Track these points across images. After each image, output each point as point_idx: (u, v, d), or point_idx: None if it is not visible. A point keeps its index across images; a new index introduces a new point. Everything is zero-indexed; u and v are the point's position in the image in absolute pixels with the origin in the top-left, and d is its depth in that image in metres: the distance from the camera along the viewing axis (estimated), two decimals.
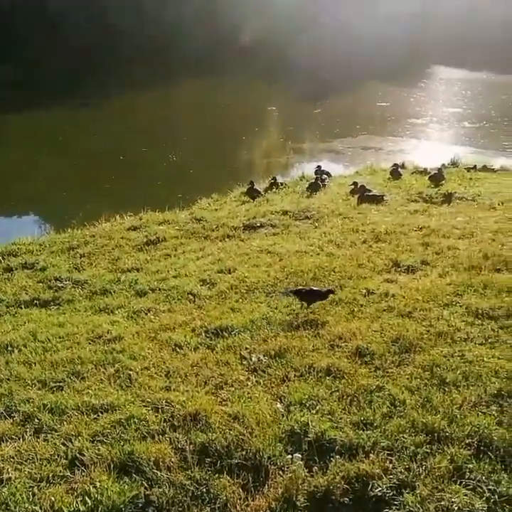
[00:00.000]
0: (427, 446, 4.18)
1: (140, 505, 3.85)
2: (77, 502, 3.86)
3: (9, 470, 4.17)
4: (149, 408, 4.80)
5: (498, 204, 10.76)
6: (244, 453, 4.20)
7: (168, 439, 4.41)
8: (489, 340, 5.61)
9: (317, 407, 4.66)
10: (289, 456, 4.14)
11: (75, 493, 3.94)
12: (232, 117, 29.02)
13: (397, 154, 20.87)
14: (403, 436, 4.26)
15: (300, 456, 4.12)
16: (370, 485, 3.86)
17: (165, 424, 4.60)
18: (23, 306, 7.40)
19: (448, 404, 4.59)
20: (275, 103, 32.97)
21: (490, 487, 3.79)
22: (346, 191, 12.95)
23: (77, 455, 4.29)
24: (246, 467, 4.10)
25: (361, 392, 4.84)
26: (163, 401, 4.85)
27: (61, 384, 5.27)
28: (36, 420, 4.73)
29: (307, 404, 4.70)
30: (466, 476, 3.88)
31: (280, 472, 4.03)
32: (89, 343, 6.06)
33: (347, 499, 3.82)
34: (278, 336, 5.92)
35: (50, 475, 4.13)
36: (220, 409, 4.70)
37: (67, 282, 8.06)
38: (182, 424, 4.56)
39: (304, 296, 6.54)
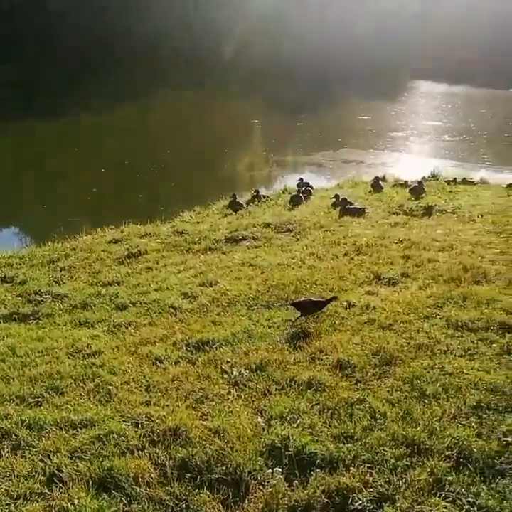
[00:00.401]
0: (407, 458, 4.18)
1: None
2: None
3: None
4: (129, 423, 4.76)
5: (478, 216, 10.88)
6: (224, 468, 4.18)
7: (147, 454, 4.37)
8: (469, 352, 5.65)
9: (298, 421, 4.65)
10: (270, 470, 4.12)
11: (53, 511, 3.89)
12: (215, 130, 29.07)
13: (378, 167, 21.04)
14: (383, 449, 4.27)
15: (280, 470, 4.11)
16: (351, 498, 3.85)
17: (144, 439, 4.56)
18: (1, 321, 7.31)
19: (428, 417, 4.61)
20: (258, 116, 33.14)
21: (469, 499, 3.80)
22: (328, 204, 13.03)
23: (55, 472, 4.24)
24: (226, 482, 4.07)
25: (342, 405, 4.84)
26: (143, 416, 4.81)
27: (40, 399, 5.21)
28: (14, 436, 4.67)
29: (288, 418, 4.69)
30: (446, 489, 3.89)
31: (260, 487, 4.01)
32: (69, 358, 6.00)
33: None
34: (259, 349, 5.91)
35: (28, 492, 4.07)
36: (201, 424, 4.67)
37: (46, 296, 7.99)
38: (162, 439, 4.52)
39: (302, 307, 6.52)
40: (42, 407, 5.07)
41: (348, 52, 46.68)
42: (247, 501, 3.92)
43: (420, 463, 4.14)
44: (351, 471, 4.06)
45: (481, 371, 5.27)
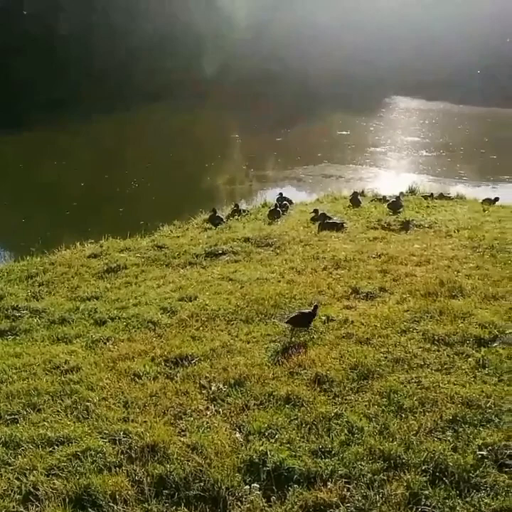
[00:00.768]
0: (384, 473, 4.22)
1: None
2: None
3: None
4: (106, 440, 4.74)
5: (454, 231, 11.02)
6: (202, 484, 4.18)
7: (125, 471, 4.36)
8: (445, 366, 5.72)
9: (276, 436, 4.67)
10: (248, 486, 4.14)
11: None
12: (195, 144, 29.13)
13: (357, 182, 21.23)
14: (361, 464, 4.30)
15: (258, 486, 4.12)
16: None
17: (122, 456, 4.54)
18: None
19: (405, 431, 4.66)
20: (238, 131, 33.32)
21: None
22: (307, 218, 13.10)
23: (32, 489, 4.21)
24: (204, 498, 4.07)
25: (320, 420, 4.87)
26: (121, 432, 4.80)
27: (16, 416, 5.17)
28: None
29: (266, 433, 4.71)
30: (422, 503, 3.94)
31: (238, 503, 4.02)
32: (46, 374, 5.96)
33: None
34: (238, 364, 5.92)
35: (3, 511, 4.03)
36: (179, 440, 4.67)
37: (24, 311, 7.92)
38: (139, 455, 4.51)
39: (297, 322, 6.56)
40: (18, 425, 5.03)
41: (327, 67, 47.19)
42: None
43: (397, 477, 4.18)
44: (329, 486, 4.09)
45: (457, 385, 5.34)
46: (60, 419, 5.07)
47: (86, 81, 39.33)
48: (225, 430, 4.80)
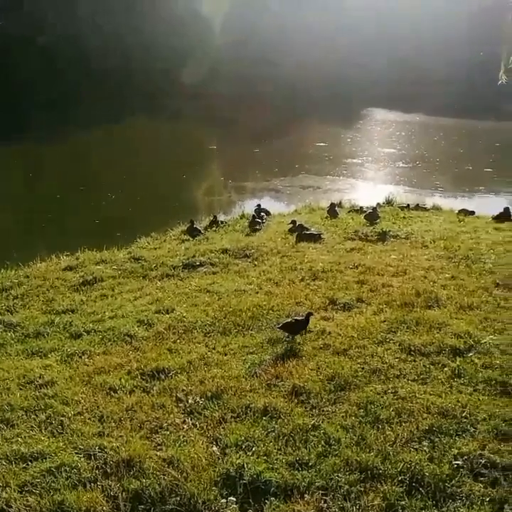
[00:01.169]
0: (361, 484, 4.23)
1: None
2: None
3: None
4: (81, 455, 4.69)
5: (430, 242, 11.12)
6: (178, 498, 4.14)
7: (100, 486, 4.30)
8: (421, 377, 5.76)
9: (253, 449, 4.65)
10: (224, 500, 4.11)
11: None
12: (173, 156, 29.09)
13: (334, 193, 21.36)
14: (338, 475, 4.30)
15: (235, 499, 4.10)
16: None
17: (97, 471, 4.49)
18: None
19: (381, 442, 4.67)
20: (216, 142, 33.36)
21: None
22: (285, 230, 13.13)
23: (4, 507, 4.13)
24: None
25: (297, 432, 4.87)
26: (96, 447, 4.75)
27: None
28: None
29: (243, 446, 4.69)
30: None
31: None
32: (20, 389, 5.87)
33: None
34: (215, 376, 5.89)
35: None
36: (155, 454, 4.63)
37: None
38: (115, 470, 4.46)
39: (289, 329, 6.67)
40: None
41: (304, 79, 47.57)
42: None
43: (374, 488, 4.18)
44: (306, 499, 4.08)
45: (433, 395, 5.37)
46: (34, 435, 5.00)
47: (68, 90, 39.20)
48: (202, 443, 4.76)
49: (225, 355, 6.48)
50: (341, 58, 52.08)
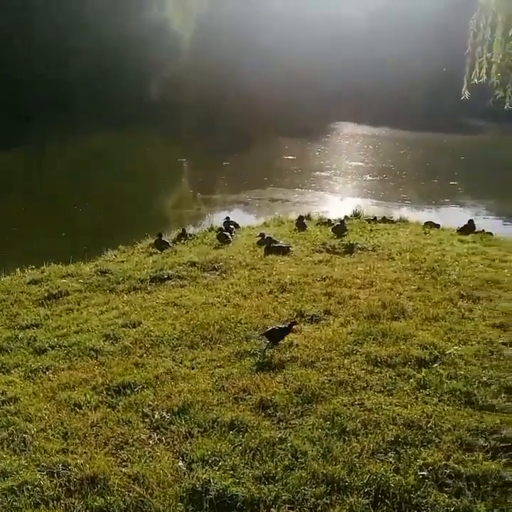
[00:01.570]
0: (327, 497, 4.23)
1: None
2: None
3: None
4: (44, 473, 4.60)
5: (396, 254, 11.25)
6: None
7: (63, 505, 4.23)
8: (387, 388, 5.80)
9: (219, 463, 4.61)
10: None
11: None
12: (142, 169, 28.97)
13: (303, 206, 21.48)
14: (304, 489, 4.29)
15: None
16: None
17: (60, 489, 4.41)
18: None
19: (348, 454, 4.68)
20: (185, 155, 33.32)
21: None
22: (254, 242, 13.16)
23: None
24: None
25: (264, 445, 4.85)
26: (60, 464, 4.66)
27: None
28: None
29: (209, 461, 4.65)
30: None
31: None
32: None
33: None
34: (182, 391, 5.85)
35: None
36: (120, 471, 4.56)
37: None
38: (79, 488, 4.39)
39: (272, 336, 6.78)
40: None
41: (273, 93, 47.97)
42: None
43: (340, 500, 4.18)
44: None
45: (399, 406, 5.41)
46: None
47: (34, 101, 38.79)
48: (168, 459, 4.71)
49: (193, 369, 6.44)
50: (309, 73, 52.63)
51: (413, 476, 4.41)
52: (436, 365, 6.24)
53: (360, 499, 4.17)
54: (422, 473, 4.44)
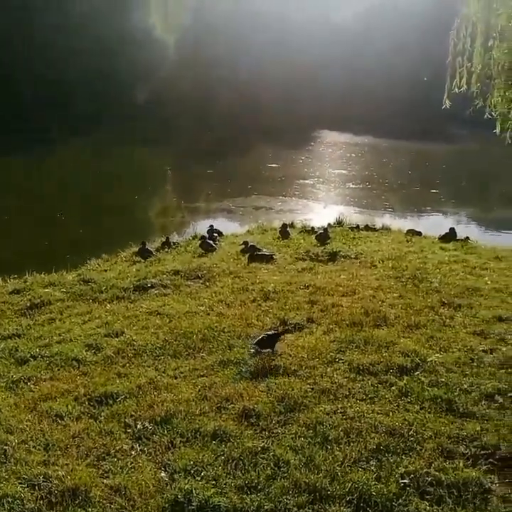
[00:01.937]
0: (310, 506, 4.24)
1: None
2: None
3: None
4: (25, 485, 4.56)
5: (379, 262, 11.33)
6: None
7: None
8: (369, 396, 5.83)
9: (202, 473, 4.61)
10: None
11: None
12: (125, 177, 28.91)
13: (286, 214, 21.56)
14: (286, 498, 4.30)
15: None
16: None
17: (41, 501, 4.37)
18: None
19: (330, 462, 4.70)
20: (168, 163, 33.31)
21: None
22: (237, 250, 13.17)
23: None
24: None
25: (246, 455, 4.85)
26: (41, 476, 4.62)
27: None
28: None
29: (192, 471, 4.64)
30: None
31: None
32: None
33: None
34: (165, 401, 5.83)
35: None
36: (102, 482, 4.54)
37: None
38: (60, 500, 4.35)
39: (264, 344, 6.90)
40: None
41: (257, 102, 48.18)
42: None
43: (322, 509, 4.20)
44: None
45: (381, 414, 5.44)
46: None
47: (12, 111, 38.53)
48: (150, 470, 4.70)
49: (176, 378, 6.42)
50: (293, 82, 52.90)
51: (395, 484, 4.44)
52: (417, 372, 6.29)
53: (342, 508, 4.18)
54: (403, 481, 4.47)
